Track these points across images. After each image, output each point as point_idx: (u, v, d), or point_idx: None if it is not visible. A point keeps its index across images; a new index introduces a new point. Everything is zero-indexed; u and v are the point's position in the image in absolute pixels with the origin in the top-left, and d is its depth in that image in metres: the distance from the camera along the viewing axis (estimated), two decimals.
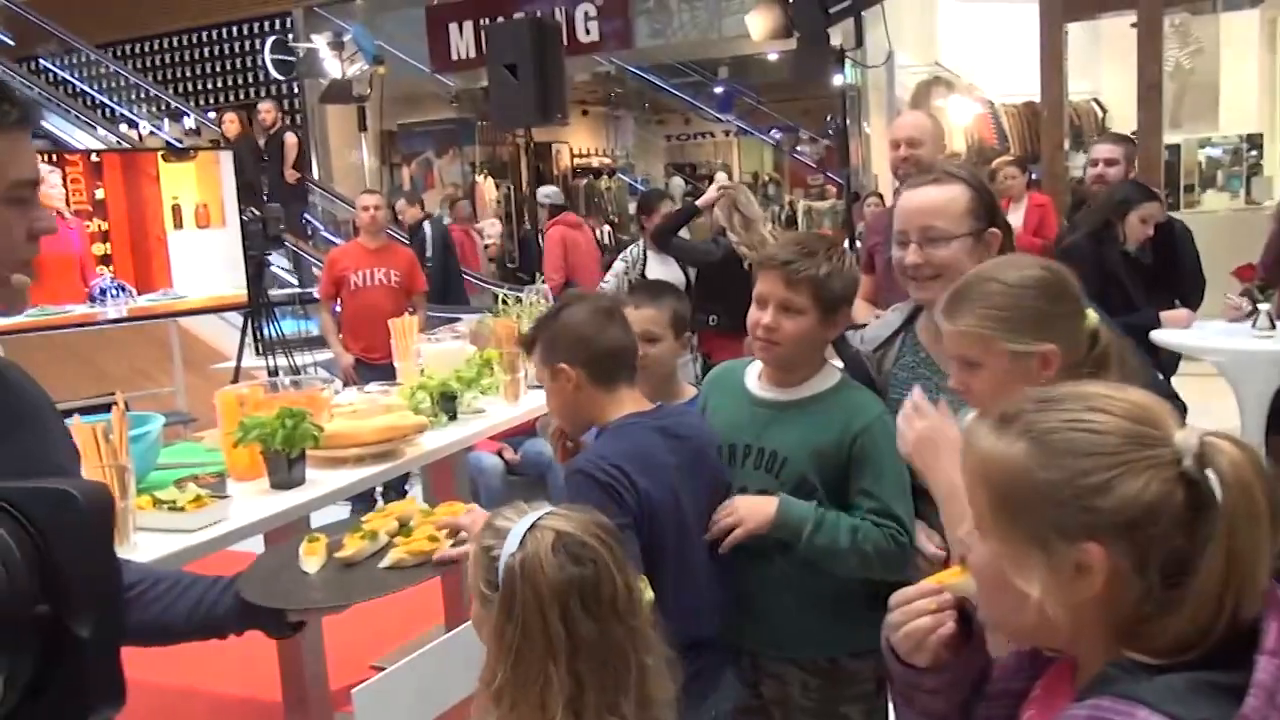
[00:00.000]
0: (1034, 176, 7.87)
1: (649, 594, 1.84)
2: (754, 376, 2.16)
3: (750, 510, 2.02)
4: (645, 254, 5.60)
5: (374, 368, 5.24)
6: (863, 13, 5.50)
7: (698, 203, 5.19)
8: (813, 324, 2.01)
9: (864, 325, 2.34)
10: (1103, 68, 11.20)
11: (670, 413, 2.12)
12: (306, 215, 10.30)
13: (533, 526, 1.34)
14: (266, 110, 9.81)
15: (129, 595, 1.46)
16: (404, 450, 2.96)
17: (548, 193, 8.17)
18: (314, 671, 2.99)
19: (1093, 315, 1.59)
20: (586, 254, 7.30)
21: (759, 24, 4.66)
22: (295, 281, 8.88)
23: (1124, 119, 9.62)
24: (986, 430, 1.03)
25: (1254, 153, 10.75)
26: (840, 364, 2.21)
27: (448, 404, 3.23)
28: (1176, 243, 4.15)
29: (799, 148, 14.62)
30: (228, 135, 9.71)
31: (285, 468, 2.61)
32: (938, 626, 1.17)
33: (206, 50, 12.27)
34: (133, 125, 11.71)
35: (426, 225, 7.85)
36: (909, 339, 2.13)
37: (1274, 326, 3.97)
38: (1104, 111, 11.29)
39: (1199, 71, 11.78)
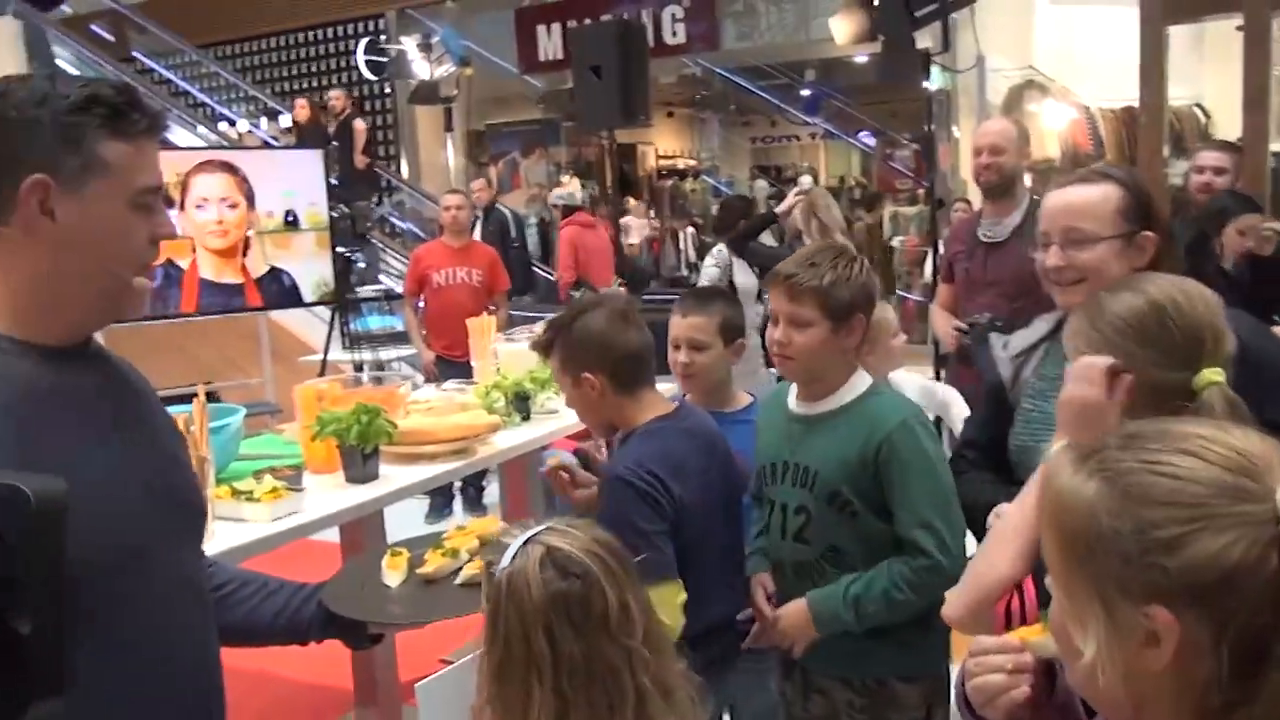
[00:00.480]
0: None
1: (681, 596, 1.84)
2: (793, 393, 2.16)
3: (795, 629, 2.06)
4: (731, 258, 5.60)
5: (454, 365, 5.32)
6: (952, 16, 5.42)
7: (776, 209, 5.16)
8: (824, 335, 2.01)
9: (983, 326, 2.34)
10: (1206, 72, 10.83)
11: (690, 412, 2.21)
12: (393, 214, 10.48)
13: (526, 541, 1.30)
14: (336, 97, 10.00)
15: (217, 596, 1.52)
16: (477, 448, 3.00)
17: (561, 194, 8.28)
18: (384, 663, 3.04)
19: (1206, 377, 1.38)
20: (597, 253, 7.42)
21: (843, 27, 4.62)
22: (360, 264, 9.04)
23: (1228, 125, 9.28)
24: (1067, 462, 0.93)
25: None
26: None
27: (521, 404, 3.26)
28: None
29: (888, 152, 14.43)
30: (298, 120, 9.93)
31: (359, 462, 2.67)
32: (1011, 688, 1.10)
33: (303, 51, 12.58)
34: (231, 124, 12.07)
35: (504, 209, 7.98)
36: (1054, 349, 1.98)
37: None
38: (1207, 118, 10.92)
39: None
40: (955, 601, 1.51)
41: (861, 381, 2.09)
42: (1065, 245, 1.86)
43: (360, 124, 9.92)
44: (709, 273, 5.55)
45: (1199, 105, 10.92)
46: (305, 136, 9.84)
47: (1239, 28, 7.58)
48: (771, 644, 2.13)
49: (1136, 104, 8.49)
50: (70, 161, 1.20)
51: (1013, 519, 1.49)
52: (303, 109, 9.99)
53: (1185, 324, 1.44)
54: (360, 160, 9.78)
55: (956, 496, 2.00)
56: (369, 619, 1.61)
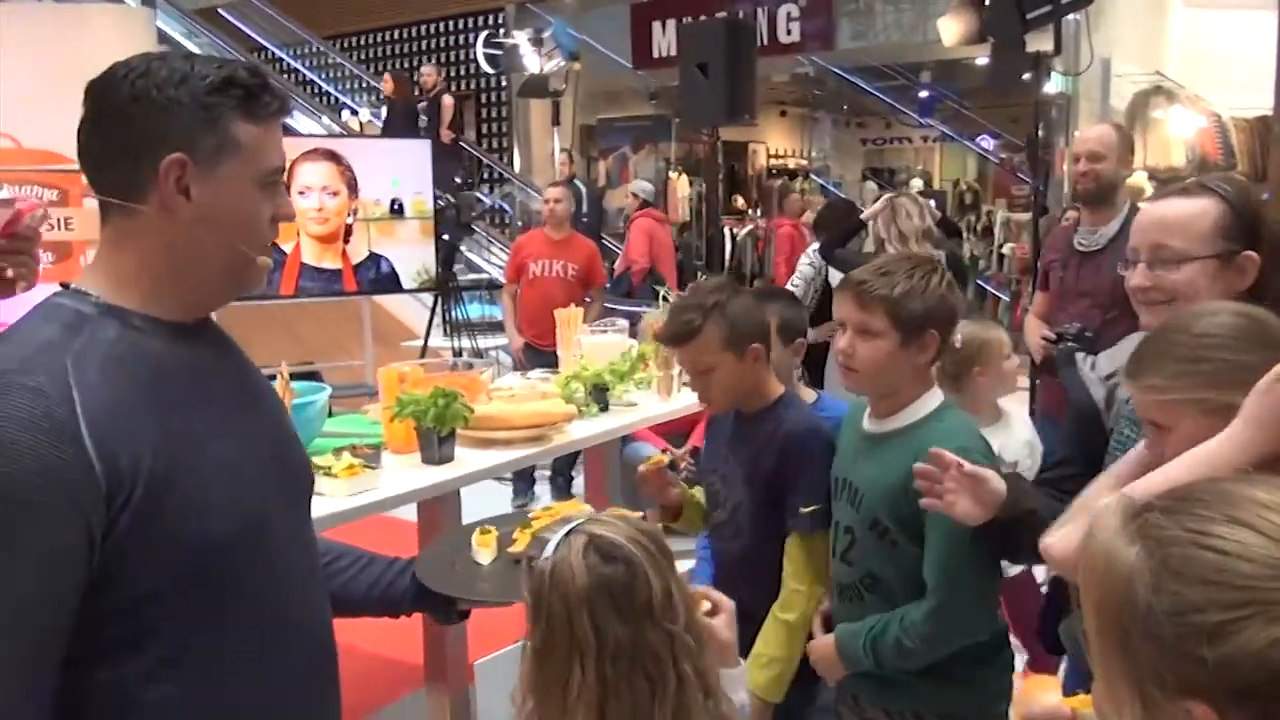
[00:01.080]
0: (1264, 196, 7.31)
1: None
2: (868, 409, 2.08)
3: (824, 662, 2.06)
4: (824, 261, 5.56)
5: (542, 353, 5.39)
6: (1074, 18, 5.26)
7: (862, 216, 5.09)
8: (891, 347, 1.92)
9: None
10: None
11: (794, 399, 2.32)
12: (501, 204, 10.66)
13: (569, 533, 1.31)
14: (428, 74, 10.23)
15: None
16: (552, 436, 3.04)
17: (641, 186, 8.38)
18: (455, 640, 3.11)
19: None
20: (665, 247, 8.10)
21: (952, 28, 4.53)
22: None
23: None
24: (1114, 517, 0.82)
25: None
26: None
27: (600, 395, 3.30)
28: None
29: (1004, 156, 14.06)
30: (387, 95, 10.16)
31: (435, 444, 2.73)
32: None
33: (425, 43, 12.89)
34: (354, 113, 12.44)
35: (580, 184, 8.22)
36: None
37: None
38: None
39: None
40: (1055, 539, 1.45)
41: (930, 402, 1.99)
42: (1153, 264, 1.72)
43: (449, 99, 10.12)
44: (803, 272, 5.51)
45: None
46: (395, 112, 10.08)
47: None
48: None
49: (1270, 113, 8.15)
50: (207, 141, 1.24)
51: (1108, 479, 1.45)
52: (388, 83, 10.26)
53: (1273, 326, 1.36)
54: (446, 135, 9.95)
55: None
56: (459, 595, 1.66)
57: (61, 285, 1.28)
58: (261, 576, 1.31)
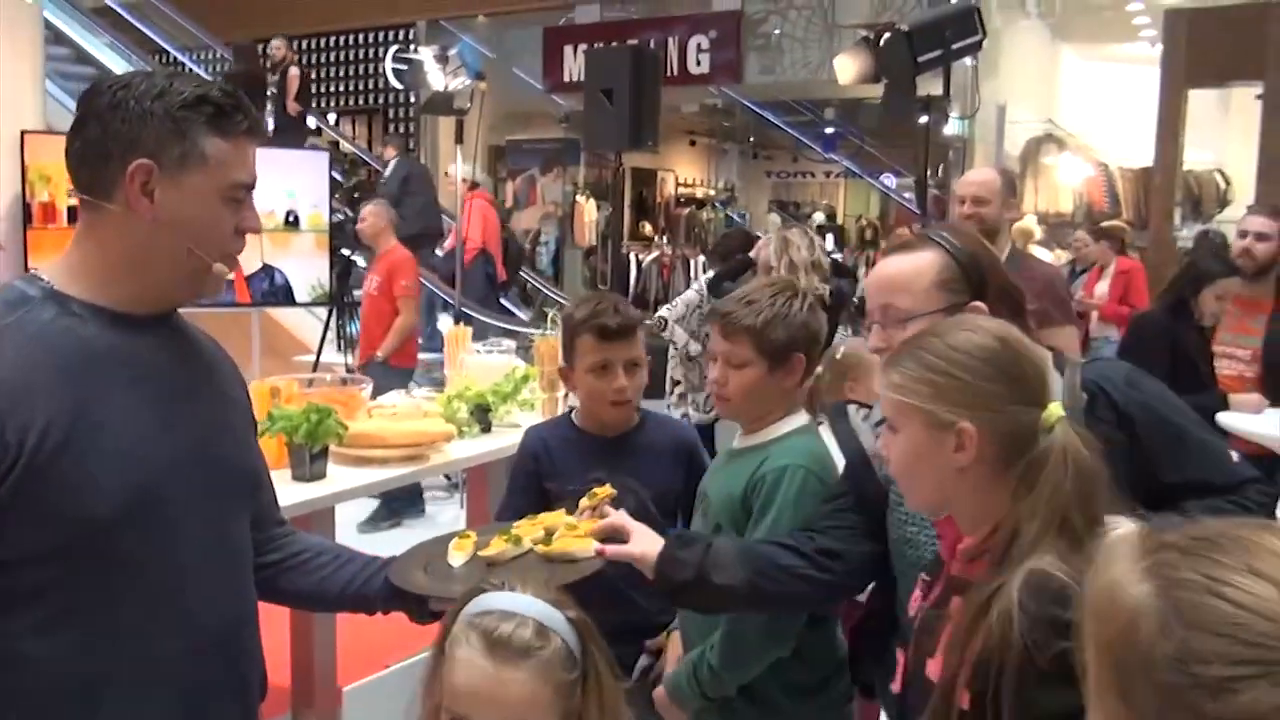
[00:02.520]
0: (1125, 241, 7.65)
1: None
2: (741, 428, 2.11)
3: (667, 710, 2.01)
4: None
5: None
6: (968, 63, 5.43)
7: (750, 253, 5.16)
8: (759, 374, 1.94)
9: None
10: (1229, 138, 10.83)
11: None
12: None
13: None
14: (277, 46, 10.16)
15: (295, 562, 1.66)
16: (429, 456, 3.00)
17: (465, 169, 8.54)
18: (323, 662, 3.03)
19: (1054, 411, 1.29)
20: (495, 228, 8.94)
21: (848, 67, 4.63)
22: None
23: (1246, 191, 9.28)
24: (1128, 548, 0.78)
25: None
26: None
27: (482, 415, 3.27)
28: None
29: (907, 195, 14.43)
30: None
31: (306, 461, 2.68)
32: None
33: (334, 55, 12.73)
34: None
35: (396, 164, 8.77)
36: None
37: None
38: (1227, 183, 10.90)
39: None
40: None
41: (790, 423, 2.00)
42: (885, 324, 1.68)
43: (295, 71, 10.09)
44: (687, 298, 5.58)
45: (1220, 171, 10.90)
46: (243, 83, 9.94)
47: (1259, 96, 7.61)
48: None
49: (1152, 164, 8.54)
50: (174, 151, 1.35)
51: None
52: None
53: (1031, 357, 1.35)
54: (292, 108, 10.00)
55: None
56: (429, 594, 1.65)
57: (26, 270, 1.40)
58: (155, 560, 1.36)
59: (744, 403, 1.98)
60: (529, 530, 1.82)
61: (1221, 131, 10.67)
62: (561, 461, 2.30)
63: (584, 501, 2.00)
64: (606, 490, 2.04)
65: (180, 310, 1.51)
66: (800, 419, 2.03)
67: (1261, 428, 3.65)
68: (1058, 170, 10.21)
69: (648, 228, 14.01)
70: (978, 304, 1.64)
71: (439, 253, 8.64)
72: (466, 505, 5.42)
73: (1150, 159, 9.38)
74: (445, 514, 6.17)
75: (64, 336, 1.33)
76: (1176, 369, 3.59)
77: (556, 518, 1.87)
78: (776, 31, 10.36)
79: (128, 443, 1.33)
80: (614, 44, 9.12)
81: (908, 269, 1.69)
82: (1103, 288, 6.69)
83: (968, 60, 5.52)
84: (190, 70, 12.78)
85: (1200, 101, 8.34)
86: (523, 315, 10.90)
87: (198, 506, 1.42)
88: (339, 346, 6.86)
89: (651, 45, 7.73)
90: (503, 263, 9.08)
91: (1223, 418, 3.67)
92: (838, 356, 3.24)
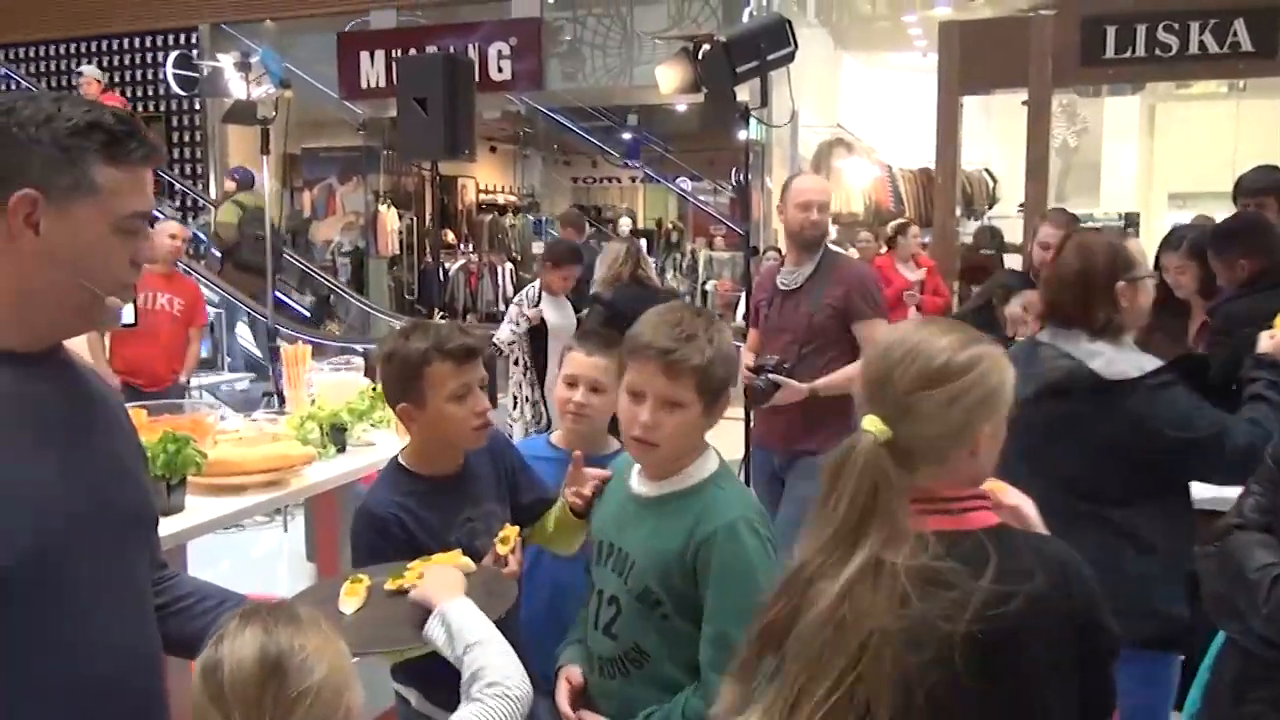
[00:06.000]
0: (924, 240, 8.22)
1: None
2: (638, 467, 1.89)
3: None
4: (540, 296, 5.69)
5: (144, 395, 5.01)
6: (769, 73, 5.66)
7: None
8: (695, 417, 1.76)
9: None
10: (993, 139, 11.73)
11: None
12: (199, 234, 10.04)
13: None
14: (87, 83, 9.49)
15: (179, 607, 1.58)
16: (289, 481, 2.91)
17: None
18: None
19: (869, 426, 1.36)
20: None
21: (669, 77, 4.75)
22: None
23: (1013, 190, 10.09)
24: None
25: (1131, 230, 11.36)
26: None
27: (338, 435, 3.20)
28: None
29: (703, 198, 14.88)
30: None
31: (165, 493, 2.55)
32: None
33: (109, 59, 11.94)
34: None
35: None
36: None
37: None
38: (994, 182, 11.81)
39: (1083, 150, 12.45)
40: None
41: (708, 465, 1.83)
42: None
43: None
44: (511, 312, 5.66)
45: (988, 170, 11.80)
46: None
47: (1024, 102, 8.29)
48: None
49: (932, 166, 9.15)
50: (61, 181, 1.27)
51: None
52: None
53: None
54: None
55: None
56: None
57: None
58: (49, 610, 1.29)
59: (674, 448, 1.79)
60: (420, 569, 1.76)
61: (986, 134, 11.56)
62: (427, 518, 2.04)
63: (500, 548, 1.94)
64: (514, 531, 1.99)
65: None
66: (714, 459, 1.86)
67: None
68: (845, 173, 10.78)
69: (450, 235, 13.87)
70: None
71: None
72: (306, 531, 5.24)
73: (926, 160, 10.06)
74: (266, 541, 5.94)
75: None
76: None
77: (454, 557, 1.82)
78: (567, 38, 10.46)
79: (15, 493, 1.26)
80: (416, 51, 9.00)
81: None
82: (914, 277, 7.14)
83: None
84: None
85: (967, 106, 9.00)
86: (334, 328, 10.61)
87: (95, 552, 1.35)
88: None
89: (453, 51, 7.69)
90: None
91: None
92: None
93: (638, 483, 1.87)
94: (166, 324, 5.71)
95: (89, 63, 10.95)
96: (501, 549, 1.91)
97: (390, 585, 1.74)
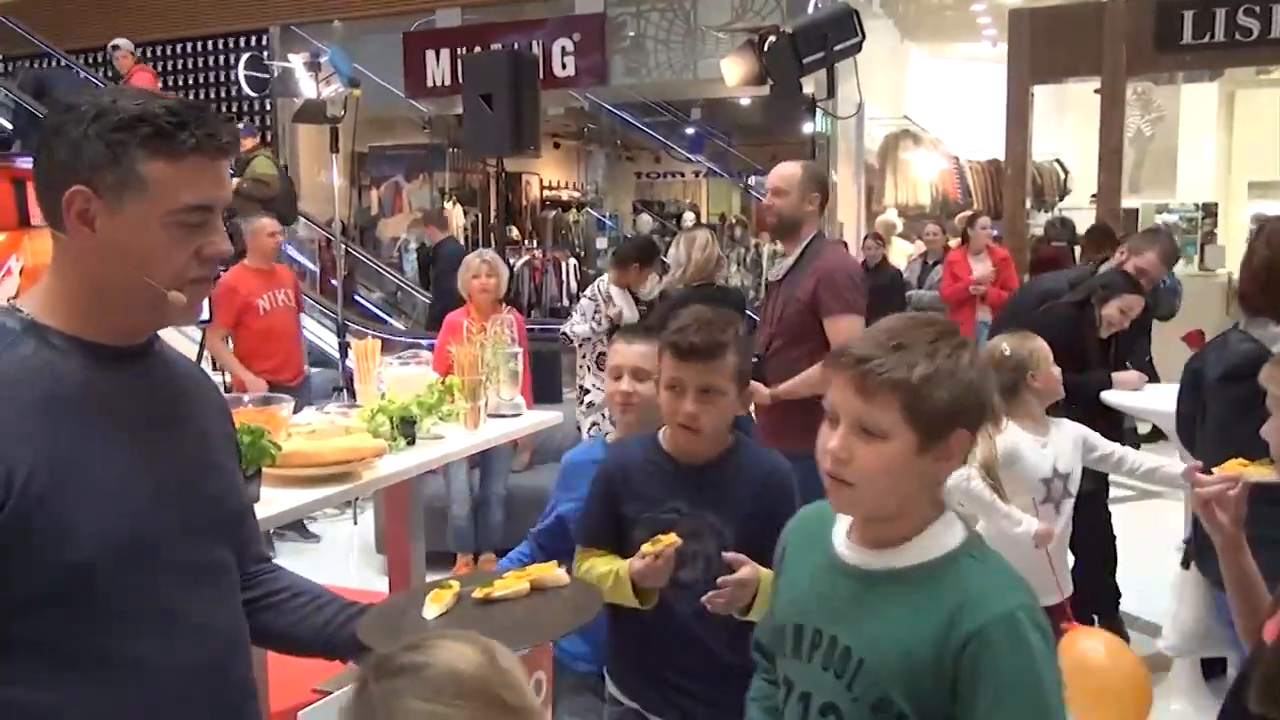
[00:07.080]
0: (995, 233, 8.09)
1: None
2: (844, 527, 1.48)
3: None
4: (610, 290, 5.66)
5: (283, 388, 5.05)
6: (836, 65, 5.61)
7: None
8: (906, 453, 1.35)
9: None
10: (1066, 130, 11.49)
11: None
12: None
13: None
14: (124, 54, 9.62)
15: (272, 601, 1.60)
16: (361, 473, 2.95)
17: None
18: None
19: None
20: None
21: (734, 70, 4.74)
22: None
23: (1085, 181, 9.87)
24: None
25: (1208, 221, 11.05)
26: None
27: (407, 428, 3.22)
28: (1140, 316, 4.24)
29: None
30: None
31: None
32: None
33: (180, 63, 12.23)
34: None
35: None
36: None
37: None
38: (1065, 173, 11.57)
39: (1159, 139, 12.14)
40: None
41: (950, 532, 1.41)
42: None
43: (146, 75, 9.79)
44: (583, 305, 5.63)
45: (1059, 161, 11.56)
46: None
47: (1098, 90, 8.11)
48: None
49: (1002, 157, 9.00)
50: (108, 177, 1.28)
51: None
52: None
53: None
54: None
55: None
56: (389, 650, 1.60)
57: (7, 301, 1.37)
58: (138, 602, 1.32)
59: (874, 491, 1.37)
60: (513, 582, 1.76)
61: (1059, 124, 11.32)
62: (640, 484, 2.09)
63: (646, 547, 1.96)
64: (671, 539, 1.95)
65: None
66: (958, 526, 1.43)
67: (1141, 403, 3.98)
68: (914, 165, 10.64)
69: (515, 231, 13.96)
70: None
71: None
72: (376, 523, 5.32)
73: (994, 151, 9.88)
74: (338, 533, 6.04)
75: (44, 372, 1.28)
76: (1070, 353, 3.73)
77: (548, 569, 1.81)
78: (631, 33, 10.46)
79: (106, 485, 1.29)
80: (480, 49, 9.07)
81: None
82: (980, 269, 7.02)
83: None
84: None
85: (1039, 96, 8.82)
86: (398, 323, 10.75)
87: (181, 544, 1.38)
88: (213, 365, 6.60)
89: (517, 48, 7.74)
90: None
91: (1108, 395, 3.96)
92: (1005, 353, 3.16)
93: (848, 548, 1.46)
94: (291, 317, 5.79)
95: (168, 65, 11.20)
96: (647, 548, 1.89)
97: (478, 594, 1.75)
